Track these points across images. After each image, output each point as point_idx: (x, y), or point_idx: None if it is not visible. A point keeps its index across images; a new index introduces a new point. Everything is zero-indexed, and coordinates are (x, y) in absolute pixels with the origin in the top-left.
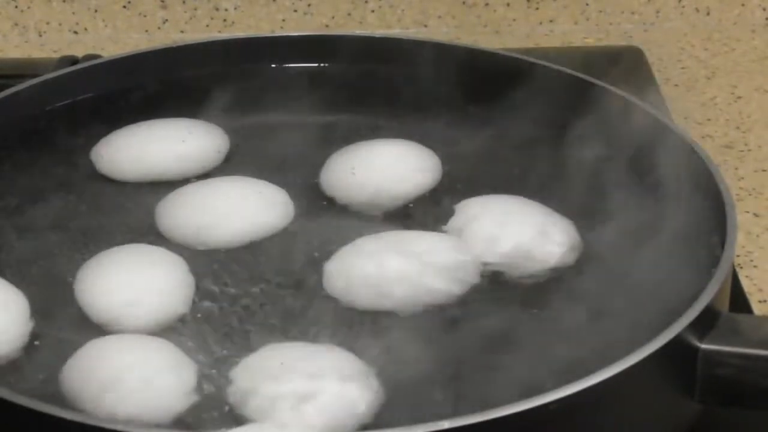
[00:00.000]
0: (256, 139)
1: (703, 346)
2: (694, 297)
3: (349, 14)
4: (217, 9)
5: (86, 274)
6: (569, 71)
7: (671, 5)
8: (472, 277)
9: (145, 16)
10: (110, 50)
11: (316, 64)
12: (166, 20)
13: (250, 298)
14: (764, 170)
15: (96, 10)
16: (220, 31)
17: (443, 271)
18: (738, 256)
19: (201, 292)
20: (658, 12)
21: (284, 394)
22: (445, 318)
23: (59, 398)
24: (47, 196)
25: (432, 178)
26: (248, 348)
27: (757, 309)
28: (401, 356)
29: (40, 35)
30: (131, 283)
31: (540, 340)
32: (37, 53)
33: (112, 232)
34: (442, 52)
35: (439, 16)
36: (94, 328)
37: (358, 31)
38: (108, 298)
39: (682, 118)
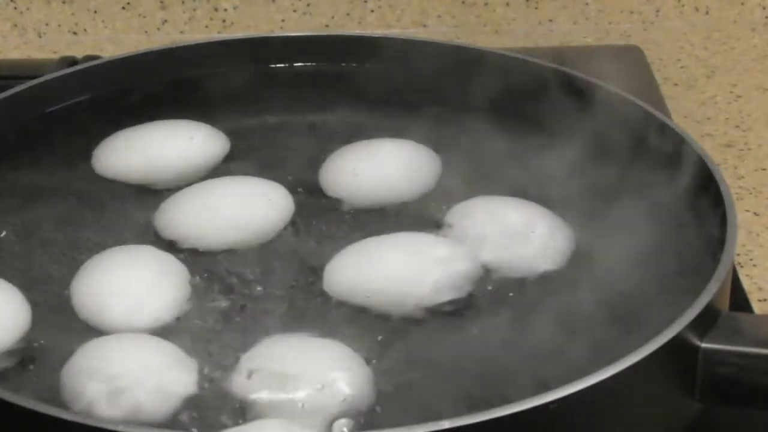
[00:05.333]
0: (256, 139)
1: (704, 345)
2: (694, 296)
3: (349, 14)
4: (216, 9)
5: (84, 275)
6: (568, 71)
7: (671, 4)
8: (471, 278)
9: (144, 16)
10: (110, 51)
11: (316, 64)
12: (166, 21)
13: (249, 298)
14: (764, 169)
15: (95, 11)
16: (219, 32)
17: (441, 272)
18: (738, 255)
19: (201, 292)
20: (657, 11)
21: (284, 391)
22: (444, 318)
23: (59, 398)
24: (47, 198)
25: (432, 178)
26: (247, 348)
27: (758, 308)
28: (401, 356)
29: (40, 36)
30: (129, 284)
31: (539, 341)
32: (37, 54)
33: (112, 233)
34: (442, 52)
35: (439, 16)
36: (94, 329)
37: (358, 31)
38: (106, 300)
39: (681, 117)
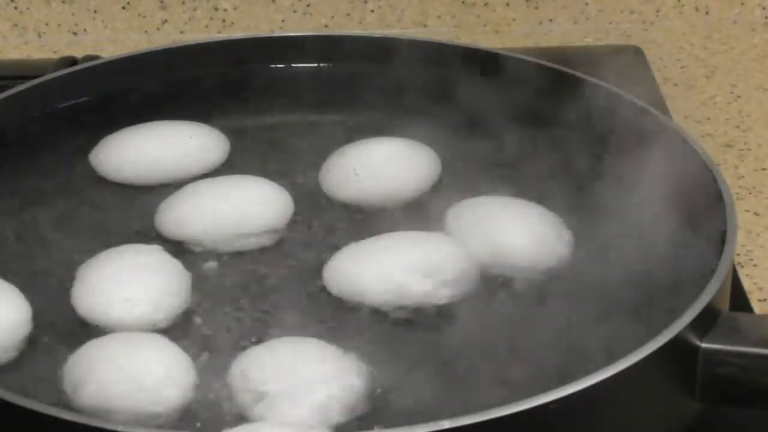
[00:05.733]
0: (256, 139)
1: (704, 345)
2: (695, 296)
3: (349, 14)
4: (216, 9)
5: (84, 275)
6: (569, 71)
7: (670, 4)
8: (470, 277)
9: (144, 16)
10: (110, 51)
11: (316, 64)
12: (166, 21)
13: (249, 298)
14: (764, 169)
15: (95, 11)
16: (219, 32)
17: (441, 271)
18: (738, 255)
19: (200, 292)
20: (657, 11)
21: (283, 392)
22: (443, 317)
23: (59, 398)
24: (47, 198)
25: (432, 178)
26: (246, 347)
27: (758, 308)
28: (401, 356)
29: (40, 36)
30: (129, 284)
31: (538, 341)
32: (37, 54)
33: (112, 233)
34: (442, 51)
35: (439, 16)
36: (93, 329)
37: (358, 31)
38: (106, 299)
39: (681, 117)
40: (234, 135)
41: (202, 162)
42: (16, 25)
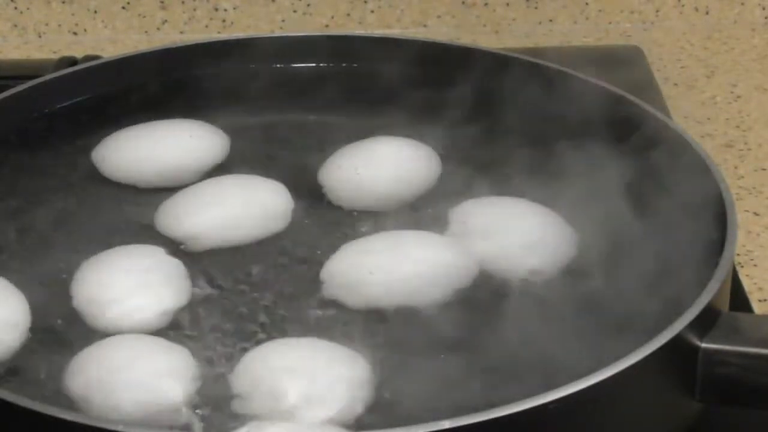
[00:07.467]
0: (256, 139)
1: (704, 345)
2: (695, 296)
3: (349, 14)
4: (216, 9)
5: (84, 275)
6: (569, 71)
7: (671, 4)
8: (470, 278)
9: (144, 16)
10: (110, 51)
11: (316, 64)
12: (166, 21)
13: (249, 298)
14: (764, 169)
15: (95, 11)
16: (219, 32)
17: (441, 271)
18: (738, 255)
19: (201, 292)
20: (657, 11)
21: (284, 393)
22: (442, 318)
23: (59, 399)
24: (47, 197)
25: (432, 178)
26: (247, 347)
27: (758, 308)
28: (401, 355)
29: (40, 36)
30: (129, 284)
31: (539, 341)
32: (37, 54)
33: (112, 233)
34: (442, 51)
35: (439, 16)
36: (93, 329)
37: (358, 31)
38: (106, 299)
39: (681, 118)
40: (234, 134)
41: (202, 161)
42: (16, 25)
